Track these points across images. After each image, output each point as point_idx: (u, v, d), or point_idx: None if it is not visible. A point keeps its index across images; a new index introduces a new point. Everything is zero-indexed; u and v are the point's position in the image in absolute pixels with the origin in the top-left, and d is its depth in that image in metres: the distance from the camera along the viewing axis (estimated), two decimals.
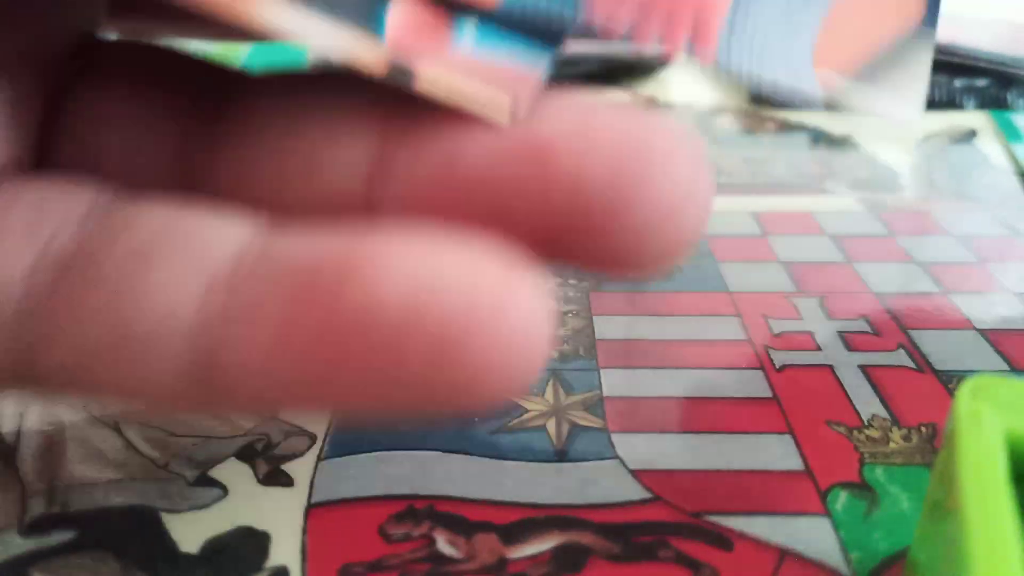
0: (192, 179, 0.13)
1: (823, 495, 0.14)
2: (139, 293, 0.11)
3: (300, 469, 0.15)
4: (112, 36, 0.16)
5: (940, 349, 0.18)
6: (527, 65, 0.11)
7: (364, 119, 0.12)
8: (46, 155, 0.14)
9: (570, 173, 0.11)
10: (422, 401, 0.10)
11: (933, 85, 0.31)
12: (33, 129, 0.14)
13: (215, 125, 0.13)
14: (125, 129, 0.14)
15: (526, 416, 0.16)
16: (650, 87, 0.35)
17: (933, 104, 0.31)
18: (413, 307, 0.09)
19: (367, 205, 0.12)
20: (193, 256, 0.11)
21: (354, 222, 0.11)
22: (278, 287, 0.10)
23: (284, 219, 0.11)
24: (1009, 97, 0.31)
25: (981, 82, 0.31)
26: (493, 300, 0.09)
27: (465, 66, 0.11)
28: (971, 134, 0.29)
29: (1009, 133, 0.29)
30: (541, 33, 0.11)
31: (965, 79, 0.31)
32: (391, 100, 0.12)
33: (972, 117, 0.30)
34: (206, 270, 0.11)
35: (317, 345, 0.10)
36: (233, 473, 0.15)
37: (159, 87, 0.14)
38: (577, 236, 0.11)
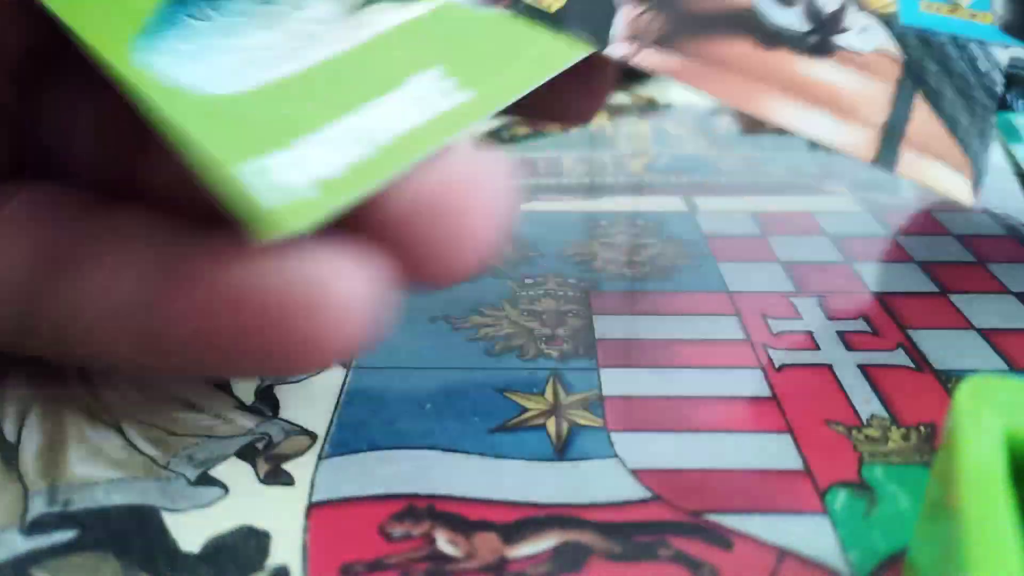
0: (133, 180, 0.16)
1: (822, 494, 0.14)
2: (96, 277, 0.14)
3: (301, 468, 0.15)
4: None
5: (939, 348, 0.18)
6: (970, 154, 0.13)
7: None
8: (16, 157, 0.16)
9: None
10: (269, 359, 0.13)
11: None
12: (7, 134, 0.15)
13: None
14: (85, 134, 0.16)
15: (526, 415, 0.16)
16: (649, 88, 0.35)
17: None
18: (266, 291, 0.12)
19: None
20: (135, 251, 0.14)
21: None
22: (191, 283, 0.13)
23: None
24: (1008, 97, 0.31)
25: None
26: (320, 285, 0.12)
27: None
28: None
29: (1008, 133, 0.29)
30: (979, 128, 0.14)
31: None
32: None
33: None
34: (144, 261, 0.14)
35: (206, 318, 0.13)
36: (234, 472, 0.15)
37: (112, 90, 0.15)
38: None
